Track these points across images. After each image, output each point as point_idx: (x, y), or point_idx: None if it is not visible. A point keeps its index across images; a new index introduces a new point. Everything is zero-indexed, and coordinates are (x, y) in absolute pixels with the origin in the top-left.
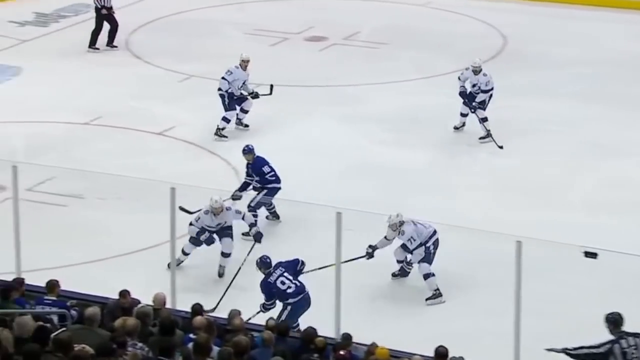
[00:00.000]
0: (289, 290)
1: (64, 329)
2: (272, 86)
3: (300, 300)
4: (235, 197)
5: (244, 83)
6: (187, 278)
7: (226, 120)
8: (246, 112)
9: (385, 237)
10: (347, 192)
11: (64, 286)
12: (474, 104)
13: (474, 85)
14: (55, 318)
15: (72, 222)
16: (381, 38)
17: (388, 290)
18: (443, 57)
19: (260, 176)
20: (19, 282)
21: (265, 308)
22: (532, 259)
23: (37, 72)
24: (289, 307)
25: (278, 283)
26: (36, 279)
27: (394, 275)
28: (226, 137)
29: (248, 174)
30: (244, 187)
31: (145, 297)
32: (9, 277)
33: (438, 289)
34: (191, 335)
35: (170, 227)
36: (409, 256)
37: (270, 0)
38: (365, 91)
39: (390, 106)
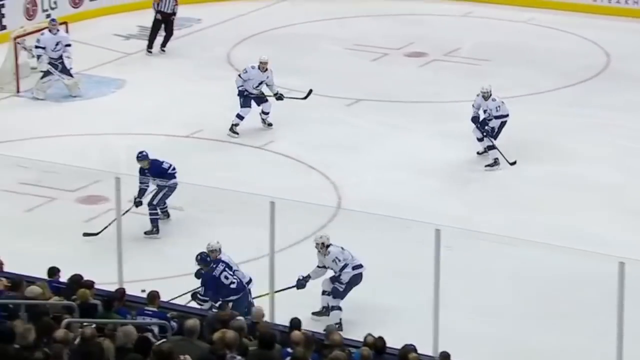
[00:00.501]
0: (232, 286)
1: (164, 340)
2: (310, 91)
3: (241, 298)
4: (137, 204)
5: (260, 83)
6: (284, 293)
7: (239, 117)
8: (266, 113)
9: (317, 266)
10: (444, 208)
11: (164, 297)
12: (486, 128)
13: (485, 111)
14: (155, 329)
15: (174, 234)
16: (482, 54)
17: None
18: (544, 75)
19: (164, 174)
20: (121, 292)
21: (198, 298)
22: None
23: (140, 85)
24: (230, 304)
25: (222, 277)
26: (137, 289)
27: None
28: (237, 134)
29: (142, 181)
30: (141, 193)
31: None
32: (112, 288)
33: (340, 322)
34: (289, 350)
35: (269, 241)
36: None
37: (371, 16)
38: (465, 108)
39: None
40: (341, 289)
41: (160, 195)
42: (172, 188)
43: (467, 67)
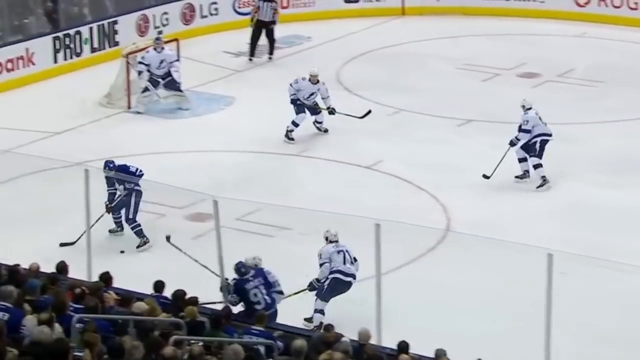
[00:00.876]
0: (257, 306)
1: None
2: (369, 111)
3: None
4: (108, 210)
5: (311, 94)
6: (391, 313)
7: (294, 124)
8: (319, 122)
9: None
10: (557, 231)
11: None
12: (512, 139)
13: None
14: (262, 349)
15: (278, 254)
16: (596, 76)
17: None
18: None
19: (133, 175)
20: (228, 311)
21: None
22: None
23: (249, 102)
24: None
25: (251, 293)
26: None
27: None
28: (293, 139)
29: (111, 184)
30: (111, 197)
31: (349, 332)
32: (219, 307)
33: (321, 324)
34: None
35: (375, 263)
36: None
37: (484, 35)
38: (579, 130)
39: (605, 146)
40: (321, 289)
41: (133, 204)
42: (140, 192)
43: (580, 88)
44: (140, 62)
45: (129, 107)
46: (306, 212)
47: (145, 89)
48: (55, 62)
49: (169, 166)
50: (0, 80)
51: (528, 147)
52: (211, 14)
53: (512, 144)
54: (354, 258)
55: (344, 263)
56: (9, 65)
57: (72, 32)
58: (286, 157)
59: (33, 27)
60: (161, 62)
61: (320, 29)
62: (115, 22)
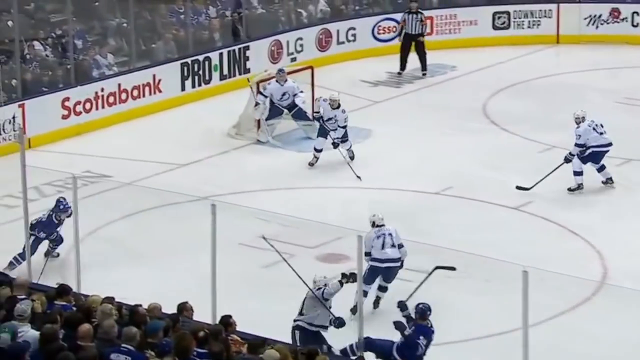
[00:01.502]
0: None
1: None
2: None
3: None
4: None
5: (329, 119)
6: None
7: (315, 149)
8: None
9: None
10: None
11: None
12: (567, 155)
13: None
14: None
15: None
16: None
17: None
18: None
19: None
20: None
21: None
22: None
23: (387, 135)
24: None
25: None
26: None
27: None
28: (311, 164)
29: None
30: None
31: None
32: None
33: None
34: None
35: (522, 313)
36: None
37: None
38: None
39: None
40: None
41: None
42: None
43: None
44: (260, 93)
45: (259, 140)
46: (448, 254)
47: (269, 118)
48: (183, 89)
49: (299, 202)
50: (125, 108)
51: (584, 159)
52: (348, 40)
53: (567, 160)
54: (400, 244)
55: (382, 248)
56: (135, 93)
57: (201, 58)
58: (426, 195)
59: (161, 52)
60: (283, 94)
61: (466, 58)
62: (246, 48)
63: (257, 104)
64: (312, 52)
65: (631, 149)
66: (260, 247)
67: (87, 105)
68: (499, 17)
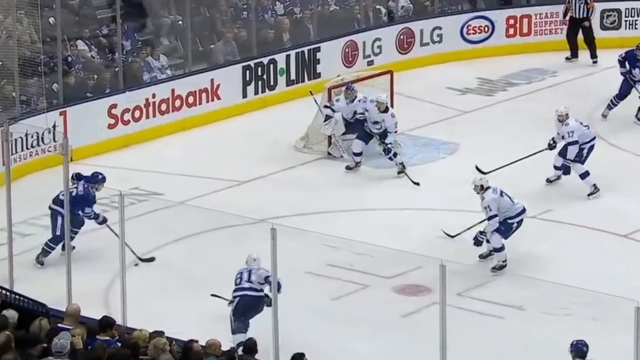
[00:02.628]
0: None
1: None
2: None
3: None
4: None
5: (375, 122)
6: None
7: (354, 154)
8: (389, 154)
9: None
10: None
11: None
12: (567, 158)
13: (562, 137)
14: None
15: (508, 339)
16: None
17: None
18: None
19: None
20: None
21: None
22: None
23: (477, 150)
24: None
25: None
26: None
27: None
28: (350, 168)
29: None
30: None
31: None
32: None
33: (505, 261)
34: None
35: (634, 353)
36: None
37: None
38: None
39: None
40: (504, 229)
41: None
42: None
43: None
44: (327, 106)
45: (330, 152)
46: (550, 288)
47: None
48: (245, 96)
49: (375, 226)
50: (179, 116)
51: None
52: (433, 42)
53: (551, 146)
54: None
55: (513, 202)
56: (190, 99)
57: (265, 60)
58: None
59: (220, 54)
60: (354, 114)
61: (569, 62)
62: (317, 50)
63: (327, 117)
64: (392, 55)
65: None
66: (330, 276)
67: (137, 114)
68: (608, 16)
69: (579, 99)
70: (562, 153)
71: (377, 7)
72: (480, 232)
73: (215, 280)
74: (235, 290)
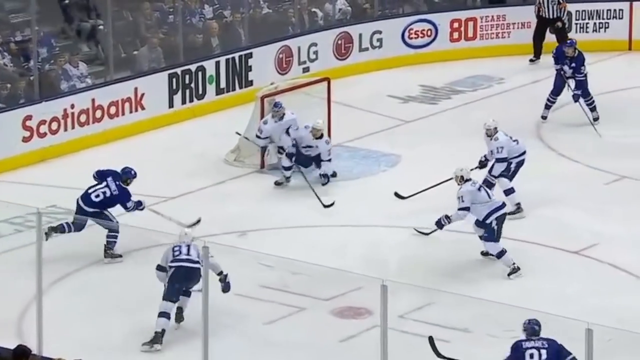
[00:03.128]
0: None
1: None
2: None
3: None
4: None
5: (309, 147)
6: None
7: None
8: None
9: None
10: None
11: None
12: (492, 174)
13: (492, 153)
14: None
15: None
16: None
17: None
18: None
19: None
20: None
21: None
22: None
23: (419, 163)
24: None
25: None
26: None
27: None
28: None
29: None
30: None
31: None
32: None
33: (514, 264)
34: None
35: None
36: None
37: None
38: None
39: None
40: (487, 233)
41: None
42: None
43: None
44: (258, 137)
45: (262, 167)
46: (497, 308)
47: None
48: (171, 106)
49: (312, 243)
50: (101, 128)
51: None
52: (373, 47)
53: (482, 164)
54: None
55: (489, 197)
56: (112, 110)
57: (193, 67)
58: (463, 235)
59: (144, 61)
60: (287, 130)
61: (516, 68)
62: (249, 56)
63: (263, 148)
64: (329, 61)
65: None
66: (264, 298)
67: (54, 125)
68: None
69: (526, 106)
70: (489, 169)
71: (313, 10)
72: (446, 216)
73: (136, 305)
74: (173, 261)
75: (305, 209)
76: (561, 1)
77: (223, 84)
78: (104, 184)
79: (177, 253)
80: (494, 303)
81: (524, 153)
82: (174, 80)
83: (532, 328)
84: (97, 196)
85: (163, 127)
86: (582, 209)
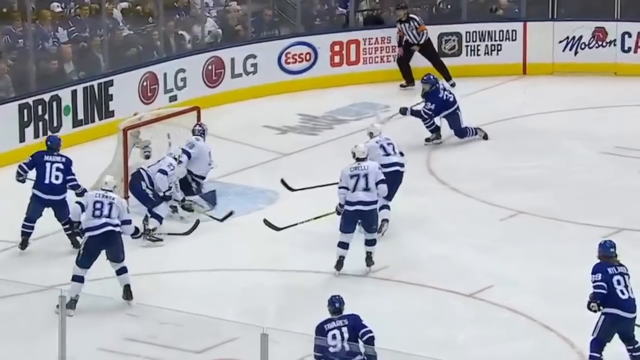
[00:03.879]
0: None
1: None
2: (230, 213)
3: None
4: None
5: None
6: None
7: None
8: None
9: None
10: None
11: None
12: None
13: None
14: None
15: None
16: None
17: None
18: None
19: None
20: None
21: None
22: None
23: (299, 199)
24: None
25: None
26: None
27: None
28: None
29: None
30: None
31: None
32: None
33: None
34: None
35: None
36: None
37: None
38: None
39: None
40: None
41: None
42: None
43: None
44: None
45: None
46: (387, 357)
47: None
48: (22, 140)
49: (183, 289)
50: None
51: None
52: (247, 72)
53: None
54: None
55: (354, 190)
56: None
57: (47, 97)
58: (353, 278)
59: None
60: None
61: (401, 94)
62: (109, 84)
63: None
64: (199, 89)
65: (623, 213)
66: (129, 353)
67: None
68: (446, 41)
69: (414, 138)
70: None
71: (180, 32)
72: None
73: None
74: (89, 229)
75: (174, 252)
76: (419, 25)
77: (81, 115)
78: (47, 164)
79: (97, 212)
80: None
81: (392, 164)
82: (25, 111)
83: (333, 305)
84: (57, 177)
85: (13, 164)
86: (475, 248)
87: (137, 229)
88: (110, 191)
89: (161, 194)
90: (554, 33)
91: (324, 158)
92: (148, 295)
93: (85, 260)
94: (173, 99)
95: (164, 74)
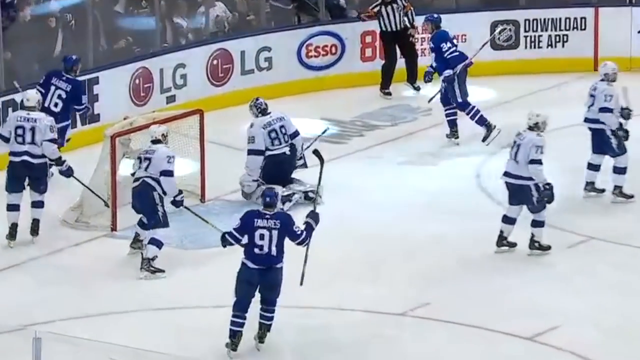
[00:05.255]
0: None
1: None
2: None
3: None
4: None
5: None
6: None
7: None
8: None
9: None
10: None
11: None
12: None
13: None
14: None
15: None
16: None
17: None
18: None
19: None
20: None
21: None
22: None
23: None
24: None
25: None
26: None
27: None
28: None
29: None
30: None
31: None
32: None
33: None
34: None
35: None
36: None
37: None
38: None
39: None
40: None
41: None
42: None
43: None
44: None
45: (114, 229)
46: None
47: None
48: None
49: (170, 327)
50: None
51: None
52: (260, 68)
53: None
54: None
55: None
56: None
57: (17, 97)
58: (388, 316)
59: None
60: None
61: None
62: (94, 81)
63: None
64: (202, 88)
65: None
66: None
67: None
68: (500, 30)
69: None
70: None
71: (176, 21)
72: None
73: None
74: (13, 153)
75: (159, 287)
76: (406, 3)
77: None
78: (52, 87)
79: (19, 138)
80: None
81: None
82: None
83: (264, 199)
84: (56, 105)
85: None
86: (538, 280)
87: (60, 158)
88: (33, 109)
89: (171, 199)
90: (632, 21)
91: (354, 171)
92: (135, 336)
93: (12, 184)
94: (171, 100)
95: (160, 69)
